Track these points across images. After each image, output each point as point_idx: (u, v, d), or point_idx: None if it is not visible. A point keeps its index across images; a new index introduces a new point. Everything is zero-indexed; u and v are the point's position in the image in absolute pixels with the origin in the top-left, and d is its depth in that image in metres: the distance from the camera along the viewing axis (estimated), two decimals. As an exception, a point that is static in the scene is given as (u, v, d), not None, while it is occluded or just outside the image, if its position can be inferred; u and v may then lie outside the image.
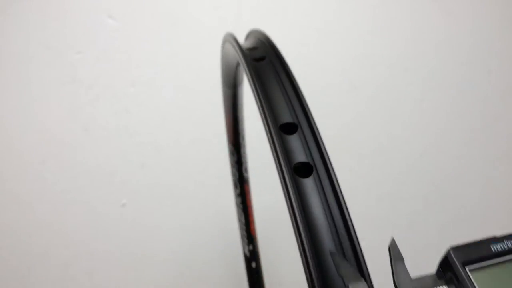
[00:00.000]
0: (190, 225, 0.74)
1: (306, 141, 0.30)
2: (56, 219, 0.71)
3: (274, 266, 0.77)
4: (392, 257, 0.21)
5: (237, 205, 0.65)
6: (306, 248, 0.24)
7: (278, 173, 0.28)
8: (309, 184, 0.27)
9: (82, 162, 0.72)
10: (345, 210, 0.26)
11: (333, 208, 0.26)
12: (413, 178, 0.81)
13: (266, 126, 0.30)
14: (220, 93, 0.57)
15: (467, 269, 0.19)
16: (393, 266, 0.21)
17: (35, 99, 0.72)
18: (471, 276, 0.19)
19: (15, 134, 0.71)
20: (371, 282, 0.21)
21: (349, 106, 0.79)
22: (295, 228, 0.25)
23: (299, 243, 0.24)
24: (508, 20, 0.84)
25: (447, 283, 0.19)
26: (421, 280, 0.20)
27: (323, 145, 0.29)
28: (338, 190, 0.27)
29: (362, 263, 0.22)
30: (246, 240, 0.67)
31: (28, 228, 0.70)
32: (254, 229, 0.66)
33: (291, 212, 0.26)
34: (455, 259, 0.19)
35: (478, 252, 0.19)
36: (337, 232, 0.25)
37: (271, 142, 0.29)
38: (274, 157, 0.29)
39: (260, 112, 0.31)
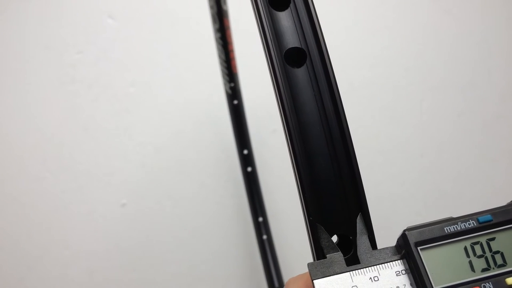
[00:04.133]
0: (190, 225, 0.74)
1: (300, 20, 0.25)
2: (56, 219, 0.71)
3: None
4: (357, 232, 0.23)
5: (216, 40, 0.61)
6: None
7: (267, 60, 0.24)
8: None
9: (82, 162, 0.72)
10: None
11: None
12: (413, 178, 0.81)
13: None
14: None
15: (418, 248, 0.21)
16: (357, 239, 0.23)
17: (35, 99, 0.72)
18: (421, 255, 0.21)
19: (15, 134, 0.71)
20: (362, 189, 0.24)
21: (349, 106, 0.79)
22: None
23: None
24: (508, 20, 0.84)
25: (401, 258, 0.22)
26: (381, 251, 0.22)
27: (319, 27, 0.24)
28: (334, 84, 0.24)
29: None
30: (227, 77, 0.64)
31: (28, 228, 0.70)
32: (235, 66, 0.63)
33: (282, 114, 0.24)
34: (408, 239, 0.21)
35: (431, 233, 0.21)
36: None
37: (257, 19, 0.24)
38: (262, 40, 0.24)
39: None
